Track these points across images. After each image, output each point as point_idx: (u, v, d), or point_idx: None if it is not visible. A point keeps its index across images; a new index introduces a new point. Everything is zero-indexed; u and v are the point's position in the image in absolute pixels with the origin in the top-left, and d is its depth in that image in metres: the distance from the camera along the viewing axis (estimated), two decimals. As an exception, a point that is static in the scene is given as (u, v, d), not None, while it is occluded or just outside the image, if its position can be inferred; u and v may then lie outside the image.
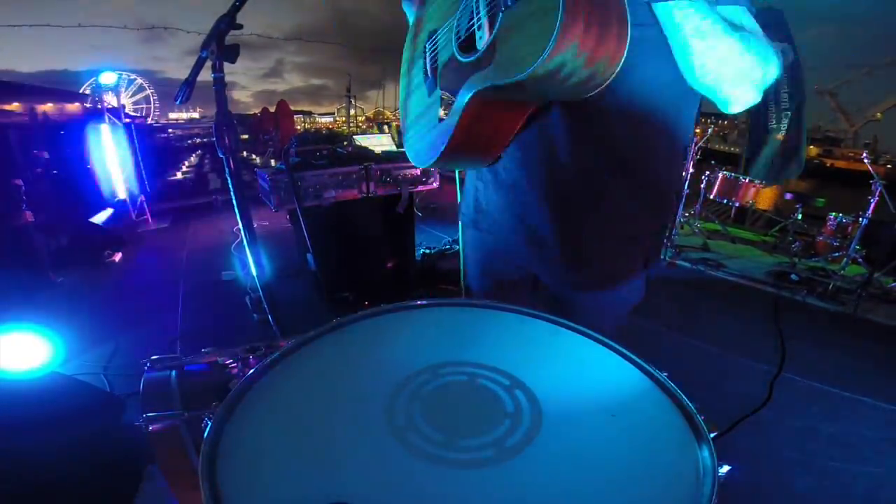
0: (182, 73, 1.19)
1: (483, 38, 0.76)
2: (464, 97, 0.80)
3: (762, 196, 4.52)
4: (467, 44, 0.81)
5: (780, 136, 5.57)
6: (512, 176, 0.99)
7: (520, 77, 0.64)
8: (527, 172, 0.96)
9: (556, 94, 0.76)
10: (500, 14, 0.71)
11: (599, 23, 0.60)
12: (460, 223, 1.25)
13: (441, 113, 0.91)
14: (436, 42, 0.95)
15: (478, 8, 0.76)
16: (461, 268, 1.30)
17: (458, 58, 0.83)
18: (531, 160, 0.94)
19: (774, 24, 5.41)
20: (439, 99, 0.92)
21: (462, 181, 1.16)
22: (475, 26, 0.77)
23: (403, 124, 1.12)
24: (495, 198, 1.06)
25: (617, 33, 0.62)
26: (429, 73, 0.97)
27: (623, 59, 0.64)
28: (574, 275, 1.01)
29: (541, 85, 0.67)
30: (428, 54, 0.97)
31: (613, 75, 0.66)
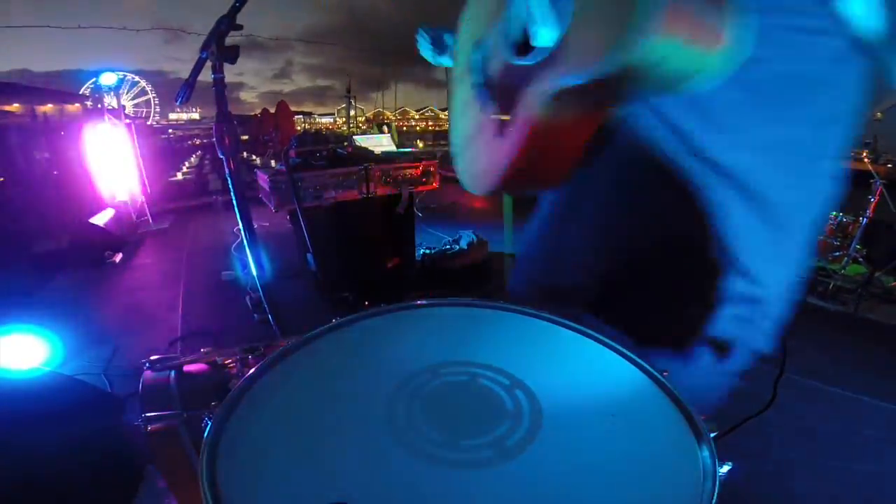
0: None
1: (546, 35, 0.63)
2: (530, 104, 0.68)
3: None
4: (522, 45, 0.69)
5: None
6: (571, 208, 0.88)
7: (604, 67, 0.52)
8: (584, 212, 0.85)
9: (643, 85, 0.58)
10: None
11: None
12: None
13: (495, 130, 0.80)
14: (483, 51, 0.83)
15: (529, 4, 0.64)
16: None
17: (515, 62, 0.72)
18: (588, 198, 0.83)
19: None
20: (493, 115, 0.82)
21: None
22: (529, 24, 0.65)
23: (455, 150, 1.01)
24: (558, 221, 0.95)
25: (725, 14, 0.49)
26: (479, 86, 0.85)
27: (728, 51, 0.49)
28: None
29: (627, 76, 0.53)
30: (474, 68, 0.86)
31: (718, 69, 0.51)
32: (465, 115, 0.94)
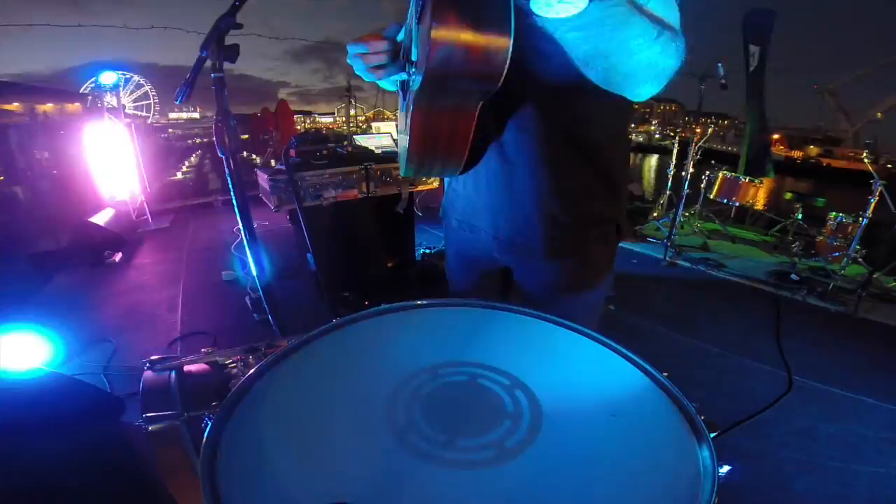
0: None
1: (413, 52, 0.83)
2: (409, 108, 0.86)
3: (760, 196, 4.53)
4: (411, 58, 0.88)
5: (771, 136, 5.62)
6: (476, 175, 1.03)
7: (424, 78, 0.71)
8: (484, 173, 1.01)
9: (467, 88, 0.77)
10: (417, 27, 0.79)
11: (472, 18, 0.67)
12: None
13: (404, 124, 0.97)
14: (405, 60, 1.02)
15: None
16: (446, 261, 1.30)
17: (409, 71, 0.90)
18: (485, 162, 1.00)
19: (758, 25, 5.45)
20: (403, 112, 1.00)
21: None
22: (412, 42, 0.84)
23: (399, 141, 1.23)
24: (467, 193, 1.09)
25: (497, 24, 0.67)
26: (399, 88, 1.07)
27: (511, 43, 0.68)
28: (551, 273, 1.01)
29: (449, 81, 0.73)
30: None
31: (508, 59, 0.69)
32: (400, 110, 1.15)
